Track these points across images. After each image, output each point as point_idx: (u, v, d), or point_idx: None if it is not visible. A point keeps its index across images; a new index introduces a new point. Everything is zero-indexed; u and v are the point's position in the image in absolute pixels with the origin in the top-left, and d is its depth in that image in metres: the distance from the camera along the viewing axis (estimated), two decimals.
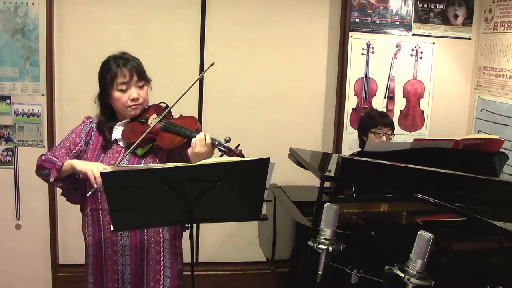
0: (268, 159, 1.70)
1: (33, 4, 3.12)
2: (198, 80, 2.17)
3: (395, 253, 1.74)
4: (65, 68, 3.26)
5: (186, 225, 1.80)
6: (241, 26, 3.38)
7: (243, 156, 2.02)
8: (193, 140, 1.97)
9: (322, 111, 3.57)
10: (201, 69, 3.35)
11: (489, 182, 2.33)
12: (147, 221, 1.80)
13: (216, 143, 1.99)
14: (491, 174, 2.54)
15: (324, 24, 3.48)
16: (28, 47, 3.16)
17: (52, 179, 2.02)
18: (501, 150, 2.63)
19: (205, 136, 1.97)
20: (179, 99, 2.08)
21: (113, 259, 2.05)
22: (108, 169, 1.84)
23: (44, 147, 3.25)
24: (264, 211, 1.83)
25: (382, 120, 2.91)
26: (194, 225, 2.20)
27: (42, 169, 2.06)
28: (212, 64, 2.18)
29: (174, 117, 2.19)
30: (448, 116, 3.64)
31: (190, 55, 3.33)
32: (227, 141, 1.98)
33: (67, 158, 2.07)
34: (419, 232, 1.62)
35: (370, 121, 2.94)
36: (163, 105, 2.18)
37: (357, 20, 3.45)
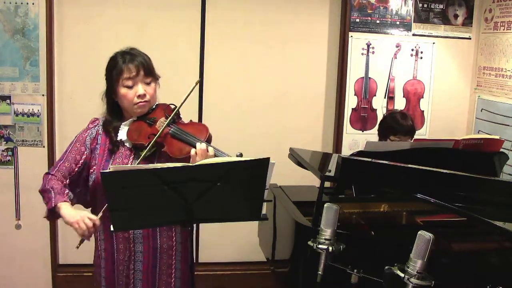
0: (268, 159, 1.70)
1: (33, 4, 3.12)
2: (198, 83, 2.07)
3: (395, 253, 1.74)
4: (65, 68, 3.26)
5: (186, 225, 1.80)
6: (241, 27, 3.38)
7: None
8: (193, 150, 1.89)
9: (322, 111, 3.57)
10: (201, 70, 3.36)
11: (489, 182, 2.33)
12: (147, 221, 1.80)
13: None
14: (491, 174, 2.54)
15: (324, 24, 3.48)
16: (28, 47, 3.16)
17: (45, 215, 1.97)
18: (501, 150, 2.63)
19: (207, 147, 1.89)
20: (184, 100, 2.00)
21: (125, 265, 2.04)
22: (94, 217, 1.83)
23: (44, 147, 3.25)
24: (264, 211, 1.82)
25: (403, 129, 2.83)
26: (194, 225, 2.23)
27: (42, 196, 2.01)
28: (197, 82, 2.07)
29: (183, 121, 2.12)
30: (448, 116, 3.64)
31: (190, 55, 3.33)
32: (239, 156, 1.79)
33: (66, 181, 2.00)
34: (419, 232, 1.62)
35: (391, 126, 2.87)
36: (173, 106, 2.09)
37: (357, 20, 3.45)
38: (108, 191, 1.63)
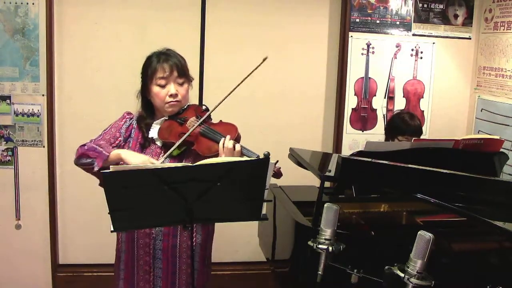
0: (268, 159, 1.70)
1: (33, 4, 3.12)
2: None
3: (395, 253, 1.74)
4: (65, 68, 3.26)
5: (186, 225, 1.80)
6: (241, 27, 3.38)
7: (281, 175, 1.96)
8: (220, 144, 1.94)
9: (322, 111, 3.57)
10: (201, 70, 3.35)
11: (489, 182, 2.33)
12: (147, 221, 1.80)
13: (254, 157, 1.88)
14: (491, 174, 2.54)
15: (324, 24, 3.48)
16: (28, 47, 3.16)
17: (96, 168, 1.92)
18: (501, 150, 2.63)
19: (234, 145, 1.92)
20: (220, 103, 2.03)
21: (145, 259, 2.05)
22: (157, 163, 1.87)
23: (44, 147, 3.25)
24: (264, 211, 1.82)
25: (411, 129, 2.84)
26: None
27: (84, 158, 1.97)
28: (264, 59, 2.12)
29: (213, 121, 2.15)
30: (448, 116, 3.64)
31: (190, 55, 3.31)
32: (266, 156, 1.75)
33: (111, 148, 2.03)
34: (419, 232, 1.62)
35: (399, 127, 2.87)
36: (203, 107, 2.15)
37: (357, 20, 3.45)
38: (109, 191, 1.64)
